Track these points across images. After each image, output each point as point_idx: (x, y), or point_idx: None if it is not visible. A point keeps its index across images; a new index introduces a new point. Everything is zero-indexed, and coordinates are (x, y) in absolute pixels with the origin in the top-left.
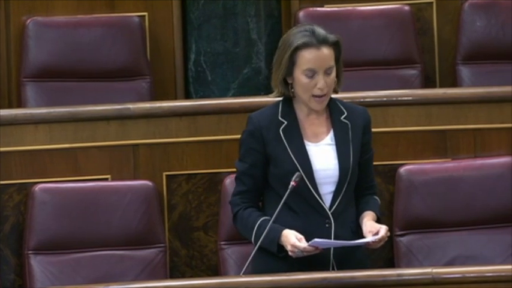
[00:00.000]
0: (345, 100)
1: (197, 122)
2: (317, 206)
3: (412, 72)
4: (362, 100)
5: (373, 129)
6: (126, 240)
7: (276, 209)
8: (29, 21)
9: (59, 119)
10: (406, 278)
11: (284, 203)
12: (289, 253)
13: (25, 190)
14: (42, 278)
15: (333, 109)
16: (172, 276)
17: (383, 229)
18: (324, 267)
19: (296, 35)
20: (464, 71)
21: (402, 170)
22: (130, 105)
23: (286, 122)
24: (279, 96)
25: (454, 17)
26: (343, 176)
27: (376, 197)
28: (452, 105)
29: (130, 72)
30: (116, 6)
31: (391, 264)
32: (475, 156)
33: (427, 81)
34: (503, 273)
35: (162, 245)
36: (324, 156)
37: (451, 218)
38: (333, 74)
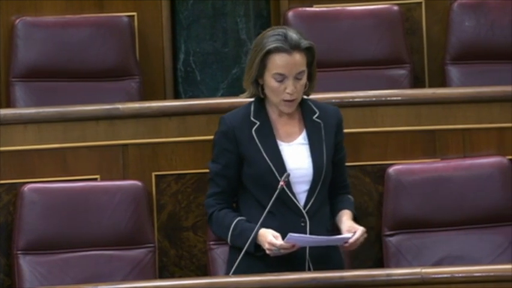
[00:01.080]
0: (333, 100)
1: (186, 122)
2: (292, 205)
3: (401, 72)
4: (351, 100)
5: (363, 129)
6: (115, 240)
7: (252, 208)
8: (17, 21)
9: (48, 119)
10: (395, 278)
11: (259, 203)
12: (267, 251)
13: (14, 190)
14: (31, 278)
15: (305, 109)
16: (161, 276)
17: (360, 230)
18: (300, 267)
19: (269, 38)
20: (453, 71)
21: (391, 170)
22: (120, 105)
23: (258, 123)
24: (250, 97)
25: (443, 17)
26: (317, 175)
27: (350, 196)
28: (441, 105)
29: (120, 72)
30: (104, 6)
31: (380, 264)
32: (464, 156)
33: (416, 81)
34: (491, 273)
35: (151, 245)
36: (297, 156)
37: (440, 218)
38: (304, 79)
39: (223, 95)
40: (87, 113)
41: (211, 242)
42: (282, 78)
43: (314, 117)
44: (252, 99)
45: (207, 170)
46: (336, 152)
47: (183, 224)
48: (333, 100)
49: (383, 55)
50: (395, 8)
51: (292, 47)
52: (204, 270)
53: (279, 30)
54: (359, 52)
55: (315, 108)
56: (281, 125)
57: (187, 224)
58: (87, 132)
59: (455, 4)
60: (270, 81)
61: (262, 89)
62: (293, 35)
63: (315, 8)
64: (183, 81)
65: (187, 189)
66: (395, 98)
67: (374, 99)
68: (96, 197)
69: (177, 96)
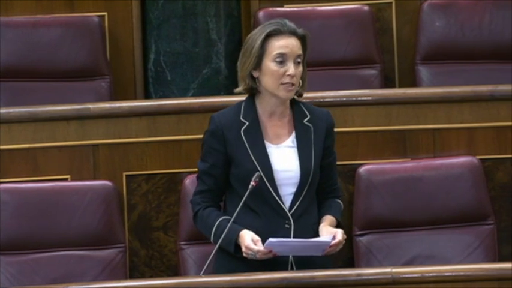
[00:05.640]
0: (304, 100)
1: (157, 122)
2: (277, 207)
3: (371, 72)
4: (322, 100)
5: None
6: (86, 240)
7: (237, 209)
8: None
9: (19, 119)
10: (366, 277)
11: (245, 203)
12: (244, 254)
13: None
14: (1, 279)
15: (296, 111)
16: (132, 276)
17: (339, 233)
18: (283, 268)
19: (266, 26)
20: (424, 71)
21: (362, 169)
22: (90, 105)
23: (247, 123)
24: (245, 89)
25: (413, 17)
26: (304, 178)
27: (339, 200)
28: (411, 105)
29: (90, 72)
30: (75, 6)
31: (350, 264)
32: (434, 156)
33: (387, 81)
34: (461, 273)
35: (121, 245)
36: (284, 158)
37: (411, 218)
38: (301, 66)
39: (194, 95)
40: (58, 113)
41: (182, 242)
42: (282, 59)
43: (305, 120)
44: (242, 99)
45: (178, 170)
46: (324, 156)
47: (153, 224)
48: (304, 100)
49: (353, 55)
50: (366, 8)
51: (291, 31)
52: (174, 270)
53: (276, 19)
54: (329, 52)
55: (306, 112)
56: (270, 126)
57: (158, 224)
58: (58, 132)
59: (426, 4)
60: (270, 65)
61: (258, 82)
62: (290, 23)
63: (286, 8)
64: (154, 81)
65: (158, 189)
66: (365, 98)
67: (344, 99)
68: (67, 197)
69: (147, 96)
